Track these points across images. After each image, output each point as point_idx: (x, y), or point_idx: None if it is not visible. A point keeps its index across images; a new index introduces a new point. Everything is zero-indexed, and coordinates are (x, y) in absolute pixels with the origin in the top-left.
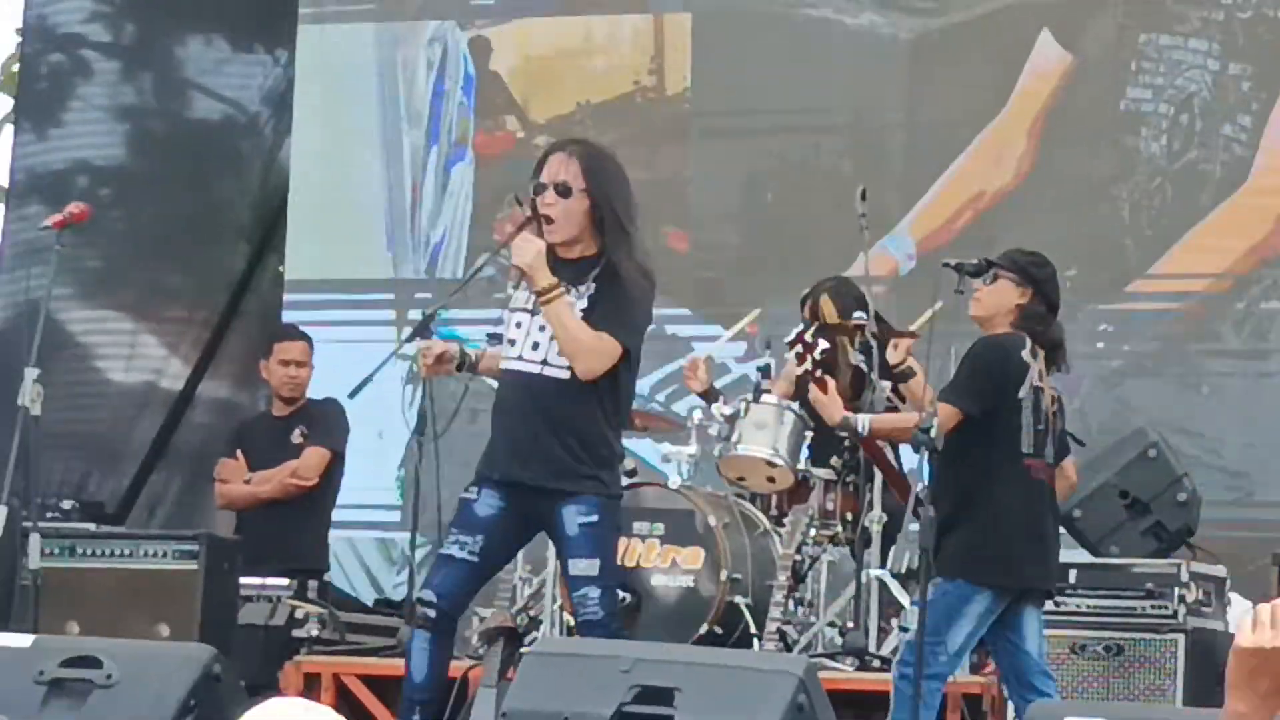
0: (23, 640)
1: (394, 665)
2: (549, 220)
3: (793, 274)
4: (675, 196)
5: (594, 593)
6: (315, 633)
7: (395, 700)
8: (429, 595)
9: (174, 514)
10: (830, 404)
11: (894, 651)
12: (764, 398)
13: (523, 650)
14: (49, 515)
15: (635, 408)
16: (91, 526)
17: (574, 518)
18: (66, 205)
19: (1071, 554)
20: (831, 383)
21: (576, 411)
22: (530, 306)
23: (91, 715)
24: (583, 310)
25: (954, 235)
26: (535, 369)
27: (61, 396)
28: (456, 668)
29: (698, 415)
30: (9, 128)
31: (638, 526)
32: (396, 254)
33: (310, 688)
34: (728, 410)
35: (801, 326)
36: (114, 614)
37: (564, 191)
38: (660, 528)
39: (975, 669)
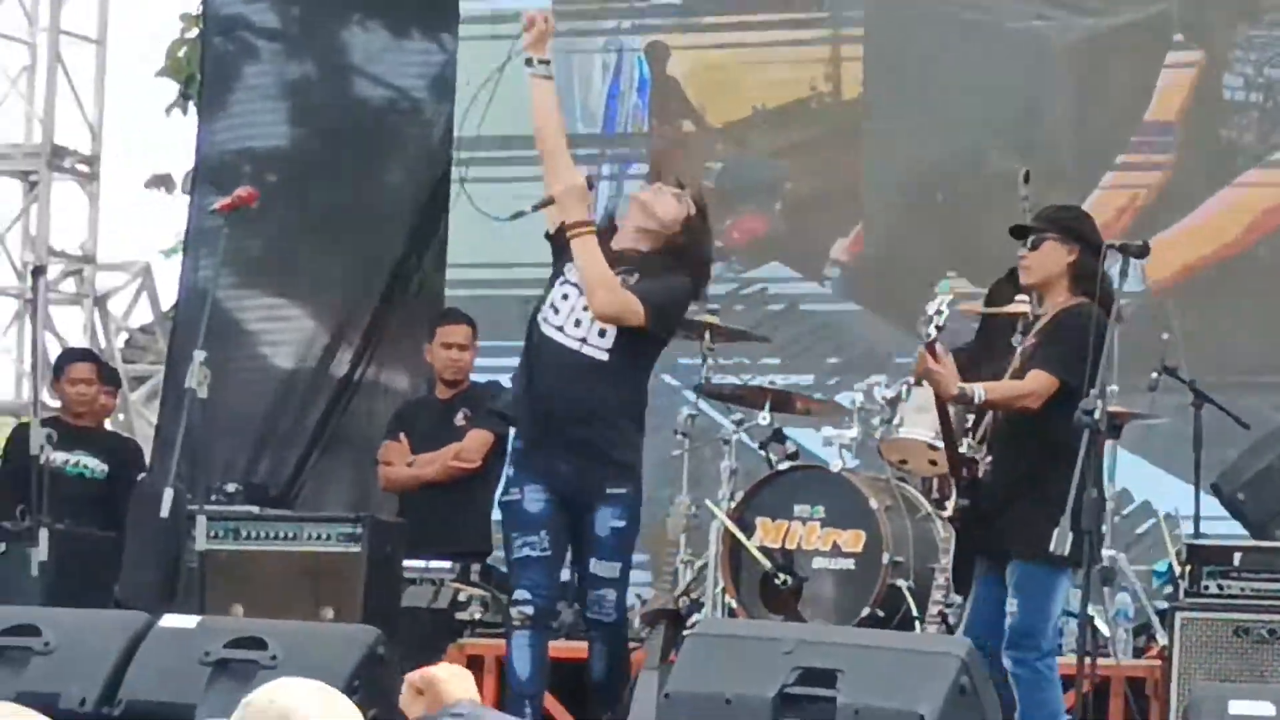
0: (188, 621)
1: (556, 648)
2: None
3: (964, 270)
4: (849, 199)
5: (611, 595)
6: (478, 615)
7: (559, 682)
8: (523, 595)
9: (338, 497)
10: (945, 375)
11: (1059, 634)
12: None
13: (685, 632)
14: (214, 498)
15: (800, 393)
16: (255, 510)
17: (607, 520)
18: (234, 190)
19: (1235, 537)
20: (948, 355)
21: (611, 398)
22: (579, 280)
23: None
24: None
25: (1120, 230)
26: (575, 345)
27: (228, 381)
28: None
29: (859, 399)
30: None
31: (798, 509)
32: None
33: (473, 670)
34: (889, 393)
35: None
36: (278, 596)
37: (685, 188)
38: (821, 510)
39: (1139, 653)
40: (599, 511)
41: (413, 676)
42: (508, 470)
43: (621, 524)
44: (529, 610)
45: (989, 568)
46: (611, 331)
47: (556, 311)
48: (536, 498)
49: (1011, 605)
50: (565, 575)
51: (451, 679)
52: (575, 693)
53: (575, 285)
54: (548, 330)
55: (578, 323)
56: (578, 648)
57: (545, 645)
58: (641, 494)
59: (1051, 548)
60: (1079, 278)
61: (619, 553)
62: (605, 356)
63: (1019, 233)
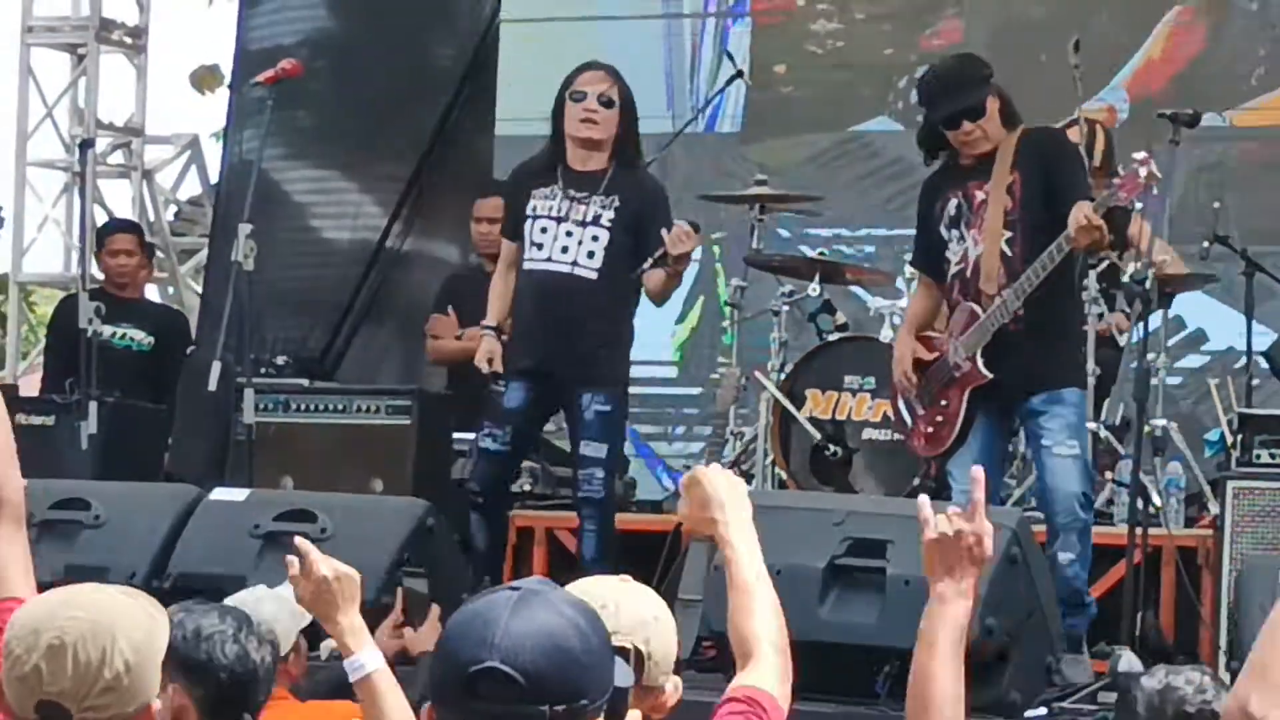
0: (238, 494)
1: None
2: (593, 123)
3: None
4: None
5: (599, 474)
6: (528, 487)
7: (607, 553)
8: (474, 486)
9: (387, 369)
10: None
11: (1109, 504)
12: None
13: None
14: (263, 371)
15: (850, 263)
16: (305, 382)
17: (592, 405)
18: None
19: None
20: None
21: (603, 309)
22: (556, 214)
23: None
24: (611, 219)
25: (1163, 86)
26: (566, 269)
27: (278, 254)
28: (667, 521)
29: (908, 270)
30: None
31: (848, 380)
32: (676, 112)
33: (523, 542)
34: None
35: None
36: (327, 469)
37: (607, 103)
38: (871, 381)
39: (1191, 523)
40: (583, 398)
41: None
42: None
43: (607, 409)
44: (479, 500)
45: (995, 414)
46: (600, 252)
47: (540, 248)
48: (517, 395)
49: (1070, 445)
50: None
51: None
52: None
53: (552, 218)
54: (534, 266)
55: (564, 249)
56: (625, 519)
57: (498, 527)
58: (627, 387)
59: (1103, 417)
60: (1006, 112)
61: (606, 434)
62: (595, 275)
63: (1192, 120)
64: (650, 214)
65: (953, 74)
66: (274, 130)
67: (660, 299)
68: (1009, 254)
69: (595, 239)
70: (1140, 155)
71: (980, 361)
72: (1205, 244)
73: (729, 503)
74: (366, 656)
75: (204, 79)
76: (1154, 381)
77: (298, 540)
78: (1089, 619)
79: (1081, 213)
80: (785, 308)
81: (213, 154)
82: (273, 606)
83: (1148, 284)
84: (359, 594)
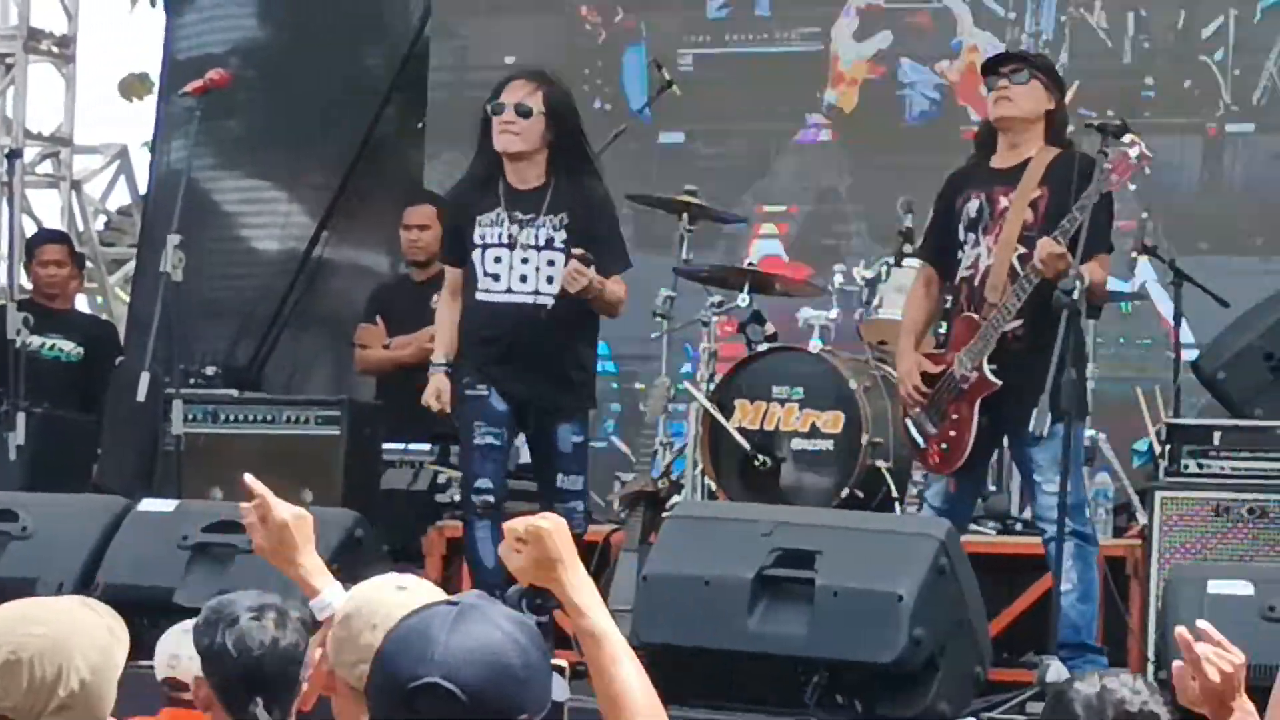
0: (167, 505)
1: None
2: (511, 134)
3: None
4: None
5: (580, 507)
6: (457, 498)
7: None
8: (485, 484)
9: (316, 379)
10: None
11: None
12: (905, 261)
13: (664, 515)
14: (192, 382)
15: (780, 271)
16: (234, 393)
17: (568, 436)
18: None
19: (1215, 416)
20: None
21: (568, 335)
22: (506, 240)
23: (235, 578)
24: (564, 240)
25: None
26: (529, 299)
27: (207, 264)
28: (598, 532)
29: (838, 280)
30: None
31: (777, 390)
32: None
33: (453, 552)
34: (868, 274)
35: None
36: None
37: (525, 113)
38: (800, 392)
39: (1119, 532)
40: (559, 429)
41: (516, 526)
42: (471, 371)
43: (580, 439)
44: (490, 499)
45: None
46: (558, 276)
47: (498, 279)
48: (500, 402)
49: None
50: None
51: (556, 532)
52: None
53: (504, 245)
54: (493, 298)
55: (523, 278)
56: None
57: (502, 534)
58: (593, 409)
59: (1030, 428)
60: (1057, 128)
61: (582, 465)
62: (552, 301)
63: (1001, 60)
64: (597, 226)
65: (1023, 51)
66: (203, 140)
67: (609, 314)
68: (1019, 270)
69: (551, 264)
70: (1128, 138)
71: (988, 369)
72: (1133, 254)
73: (568, 560)
74: (331, 595)
75: (132, 87)
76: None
77: (248, 479)
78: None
79: (1045, 249)
80: (714, 318)
81: (142, 164)
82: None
83: (1075, 295)
84: (313, 535)
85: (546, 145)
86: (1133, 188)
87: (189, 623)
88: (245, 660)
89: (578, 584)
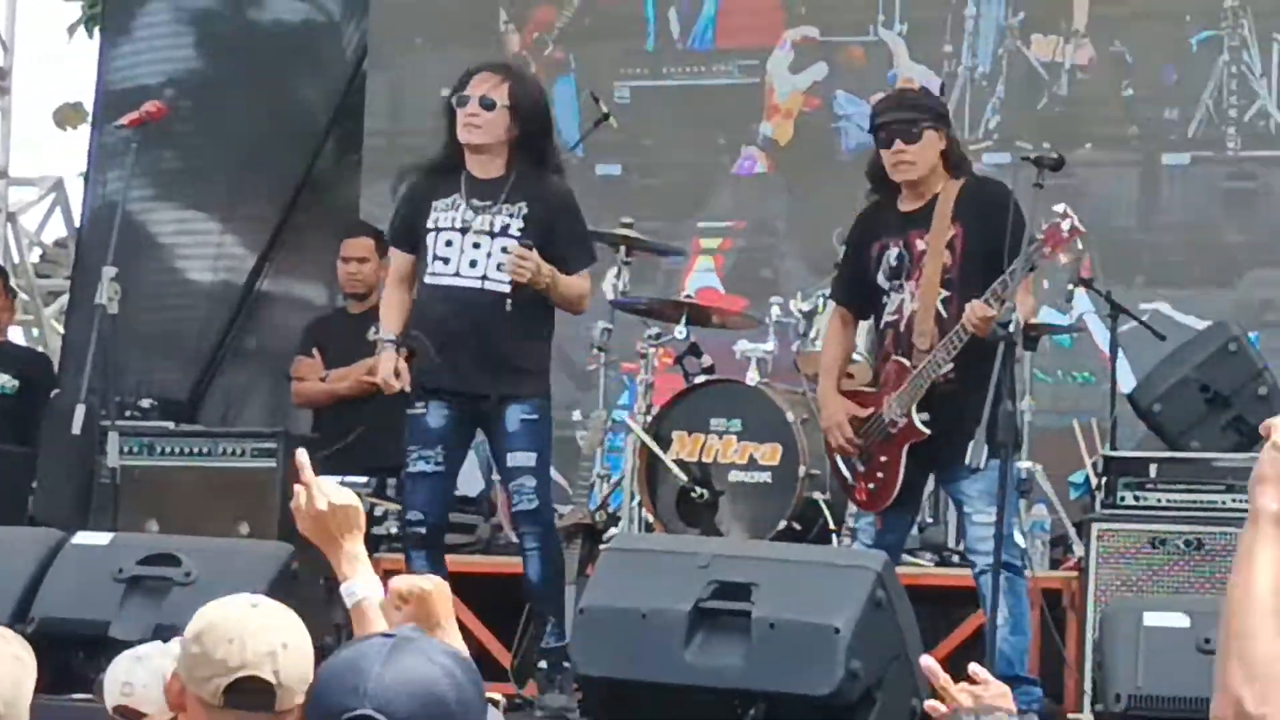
0: (102, 538)
1: (472, 562)
2: (474, 127)
3: None
4: None
5: (530, 482)
6: (394, 530)
7: (472, 596)
8: (415, 515)
9: (252, 412)
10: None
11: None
12: None
13: (601, 547)
14: (128, 414)
15: (716, 304)
16: (170, 425)
17: (516, 415)
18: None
19: (1151, 448)
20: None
21: (518, 322)
22: (460, 225)
23: (170, 612)
24: (519, 229)
25: None
26: (476, 284)
27: (143, 296)
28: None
29: (775, 312)
30: (80, 36)
31: (714, 423)
32: None
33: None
34: (805, 306)
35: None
36: (193, 512)
37: (489, 105)
38: (738, 424)
39: (1056, 565)
40: (507, 411)
41: (399, 584)
42: (415, 387)
43: (532, 417)
44: (421, 531)
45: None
46: (509, 264)
47: (446, 262)
48: (440, 414)
49: (985, 513)
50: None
51: (438, 594)
52: (497, 609)
53: (455, 229)
54: (441, 280)
55: (473, 263)
56: (498, 563)
57: (442, 562)
58: (550, 396)
59: (967, 461)
60: (954, 161)
61: (533, 443)
62: (507, 288)
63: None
64: (558, 219)
65: (903, 97)
66: (138, 171)
67: (569, 309)
68: (944, 314)
69: (505, 250)
70: (1060, 208)
71: (917, 418)
72: (1070, 287)
73: (446, 625)
74: (359, 584)
75: (67, 116)
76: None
77: (300, 456)
78: (1032, 701)
79: (974, 314)
80: (651, 350)
81: (77, 195)
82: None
83: (1012, 327)
84: (362, 524)
85: (510, 139)
86: (1063, 260)
87: (141, 649)
88: None
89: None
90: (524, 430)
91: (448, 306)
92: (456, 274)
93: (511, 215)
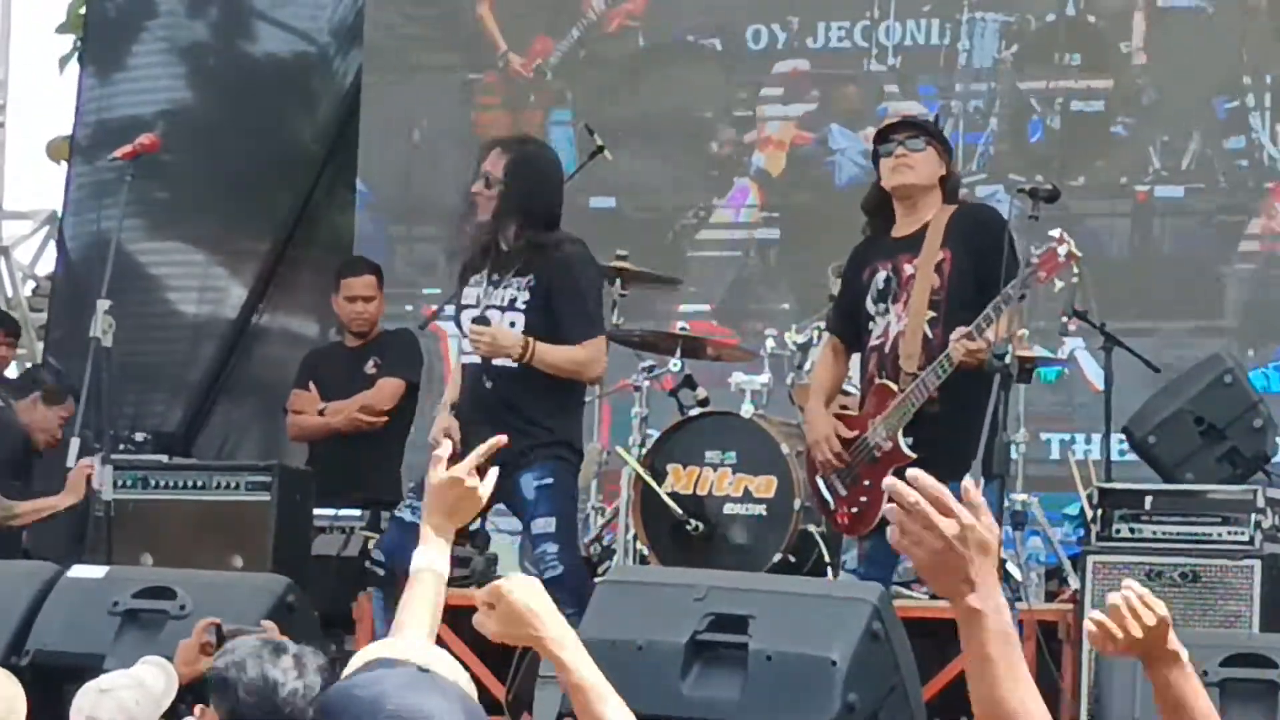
0: (97, 572)
1: (468, 595)
2: (487, 200)
3: None
4: None
5: (552, 548)
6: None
7: (466, 629)
8: (379, 556)
9: (248, 446)
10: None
11: None
12: None
13: (597, 580)
14: (122, 447)
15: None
16: (164, 458)
17: (530, 482)
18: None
19: (1147, 480)
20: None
21: (525, 395)
22: (475, 302)
23: (166, 645)
24: (525, 300)
25: None
26: (499, 362)
27: (134, 329)
28: None
29: (770, 344)
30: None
31: (709, 455)
32: None
33: None
34: (800, 339)
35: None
36: (187, 545)
37: (490, 182)
38: (733, 456)
39: (1051, 597)
40: (520, 479)
41: (479, 595)
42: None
43: (547, 481)
44: (379, 571)
45: None
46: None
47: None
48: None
49: None
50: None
51: (517, 589)
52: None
53: (472, 307)
54: (465, 360)
55: None
56: None
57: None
58: (568, 459)
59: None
60: (952, 189)
61: (551, 508)
62: (515, 365)
63: (894, 128)
64: (559, 287)
65: (913, 118)
66: (129, 203)
67: (572, 378)
68: (930, 336)
69: (512, 325)
70: (1056, 233)
71: (904, 443)
72: (1064, 319)
73: (542, 612)
74: (426, 557)
75: (59, 149)
76: (1014, 456)
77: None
78: None
79: (961, 348)
80: (646, 383)
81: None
82: (132, 694)
83: (1007, 359)
84: (453, 506)
85: (514, 210)
86: (1059, 285)
87: (105, 680)
88: (260, 699)
89: (559, 638)
90: (540, 496)
91: (469, 383)
92: (474, 352)
93: (520, 289)
